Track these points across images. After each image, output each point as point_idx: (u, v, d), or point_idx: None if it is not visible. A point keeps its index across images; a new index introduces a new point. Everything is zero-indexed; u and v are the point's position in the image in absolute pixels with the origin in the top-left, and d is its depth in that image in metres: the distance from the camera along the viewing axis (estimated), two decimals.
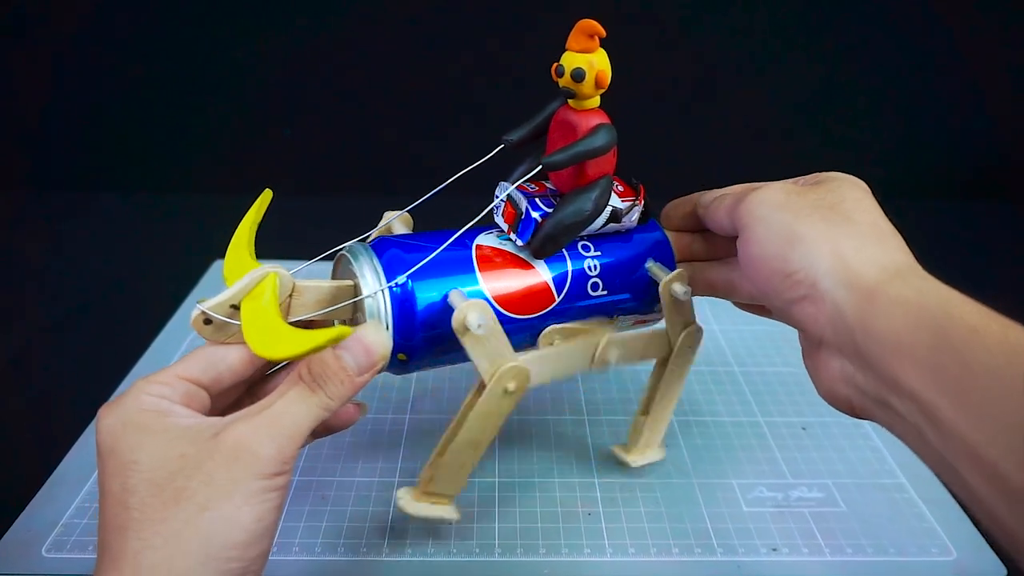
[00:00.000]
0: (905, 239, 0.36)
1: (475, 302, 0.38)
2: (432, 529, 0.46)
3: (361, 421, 0.55)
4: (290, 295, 0.36)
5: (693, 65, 0.95)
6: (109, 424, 0.31)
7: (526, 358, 0.40)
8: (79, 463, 0.51)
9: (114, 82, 0.95)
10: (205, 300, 0.33)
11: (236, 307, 0.34)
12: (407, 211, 0.44)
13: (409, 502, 0.41)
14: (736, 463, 0.53)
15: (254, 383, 0.39)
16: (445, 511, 0.42)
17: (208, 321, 0.34)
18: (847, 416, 0.58)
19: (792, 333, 0.38)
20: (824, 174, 0.40)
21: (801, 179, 0.40)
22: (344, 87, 0.96)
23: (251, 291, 0.34)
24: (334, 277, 0.41)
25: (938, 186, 1.02)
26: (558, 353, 0.41)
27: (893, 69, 0.96)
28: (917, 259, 0.35)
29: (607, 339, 0.42)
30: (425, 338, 0.39)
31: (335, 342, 0.32)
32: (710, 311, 0.71)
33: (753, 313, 0.45)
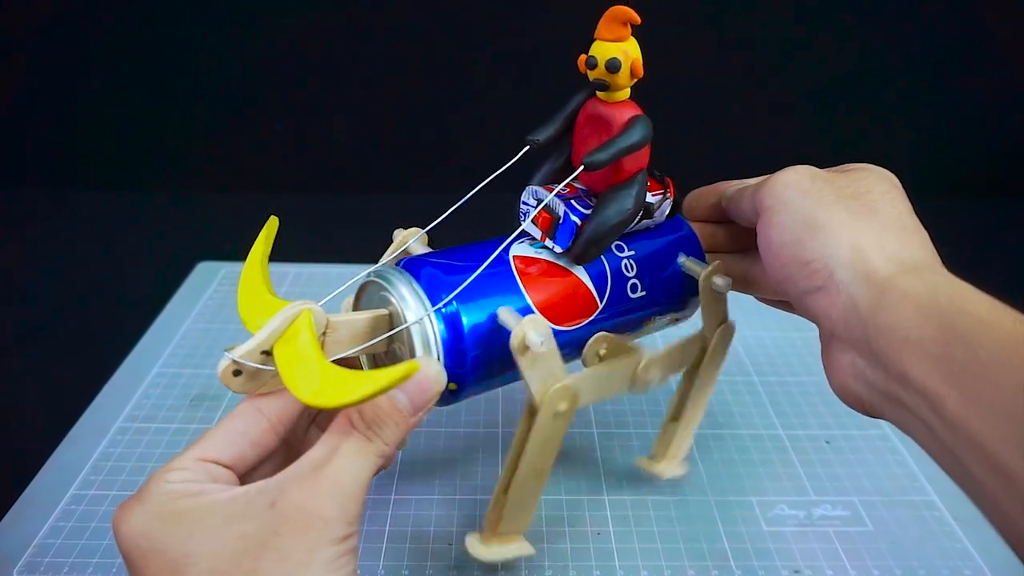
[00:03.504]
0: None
1: (532, 318, 0.37)
2: (430, 551, 0.46)
3: None
4: (323, 332, 0.34)
5: (711, 57, 0.95)
6: (137, 524, 0.29)
7: (576, 377, 0.39)
8: (53, 480, 0.51)
9: (91, 72, 0.95)
10: (233, 347, 0.32)
11: (268, 352, 0.32)
12: (425, 232, 0.43)
13: (479, 548, 0.40)
14: (756, 479, 0.52)
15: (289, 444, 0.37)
16: (519, 548, 0.41)
17: (238, 372, 0.32)
18: (873, 427, 0.58)
19: (816, 341, 0.38)
20: (854, 164, 0.40)
21: (831, 169, 0.41)
22: (340, 76, 0.96)
23: (284, 332, 0.32)
24: (356, 307, 0.40)
25: (962, 183, 1.02)
26: (603, 374, 0.40)
27: (916, 63, 0.96)
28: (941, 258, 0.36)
29: (647, 360, 0.41)
30: (477, 363, 0.38)
31: (403, 380, 0.29)
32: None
33: (778, 308, 0.46)
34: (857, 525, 0.49)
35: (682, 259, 0.44)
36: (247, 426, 0.33)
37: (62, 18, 0.91)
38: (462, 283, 0.37)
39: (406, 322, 0.36)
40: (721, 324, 0.45)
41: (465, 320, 0.37)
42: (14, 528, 0.47)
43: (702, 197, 0.47)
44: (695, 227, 0.46)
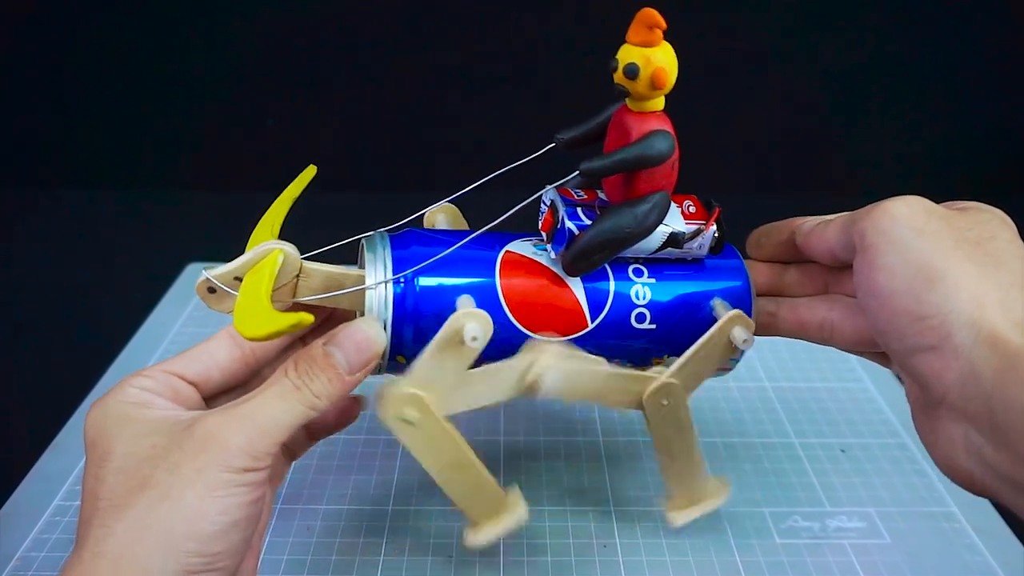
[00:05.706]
0: None
1: (476, 312, 0.37)
2: (430, 564, 0.46)
3: (352, 443, 0.55)
4: (297, 276, 0.37)
5: (727, 62, 0.95)
6: (93, 416, 0.34)
7: (426, 383, 0.38)
8: (37, 490, 0.51)
9: (79, 69, 0.95)
10: (212, 268, 0.36)
11: (240, 279, 0.36)
12: (446, 202, 0.43)
13: (473, 538, 0.40)
14: (768, 489, 0.52)
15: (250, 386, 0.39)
16: (511, 518, 0.40)
17: (212, 290, 0.36)
18: (890, 436, 0.58)
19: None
20: (967, 202, 0.37)
21: (945, 204, 0.37)
22: (336, 71, 0.96)
23: (255, 265, 0.36)
24: (360, 264, 0.41)
25: (977, 181, 1.02)
26: (481, 373, 0.39)
27: (928, 62, 0.96)
28: None
29: (545, 359, 0.38)
30: (424, 340, 0.38)
31: (295, 328, 0.33)
32: None
33: (863, 357, 0.43)
34: (874, 537, 0.49)
35: (715, 301, 0.42)
36: (218, 349, 0.38)
37: (50, 15, 0.91)
38: (431, 259, 0.38)
39: (365, 284, 0.38)
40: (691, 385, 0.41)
41: (419, 295, 0.38)
42: None
43: (772, 233, 0.44)
44: (758, 267, 0.44)
